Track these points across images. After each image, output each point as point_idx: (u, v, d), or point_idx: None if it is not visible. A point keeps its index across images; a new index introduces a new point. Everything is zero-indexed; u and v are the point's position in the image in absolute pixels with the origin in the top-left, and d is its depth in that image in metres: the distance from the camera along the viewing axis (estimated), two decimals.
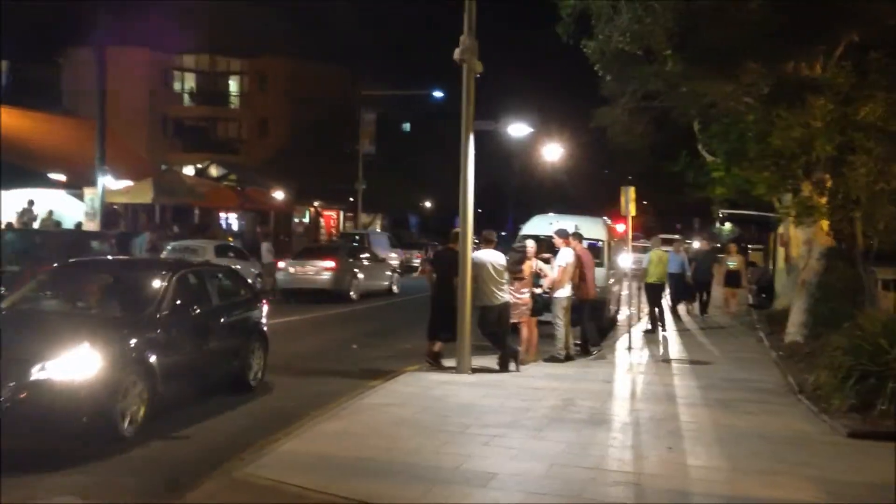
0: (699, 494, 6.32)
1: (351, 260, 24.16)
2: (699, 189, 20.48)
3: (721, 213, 24.64)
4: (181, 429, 8.10)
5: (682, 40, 12.63)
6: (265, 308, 10.94)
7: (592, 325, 13.73)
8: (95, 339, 7.38)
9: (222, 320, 9.64)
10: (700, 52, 12.35)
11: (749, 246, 23.74)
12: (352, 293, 23.14)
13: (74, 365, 7.04)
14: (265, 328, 10.70)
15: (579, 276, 12.85)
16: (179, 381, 8.47)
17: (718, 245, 26.98)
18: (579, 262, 12.81)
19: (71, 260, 12.04)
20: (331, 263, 22.73)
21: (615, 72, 16.38)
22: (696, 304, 20.58)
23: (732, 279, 20.34)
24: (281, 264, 24.14)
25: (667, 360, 13.43)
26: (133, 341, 7.84)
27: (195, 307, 9.03)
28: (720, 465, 7.16)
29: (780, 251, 21.92)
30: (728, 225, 35.76)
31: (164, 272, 9.01)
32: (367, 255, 26.42)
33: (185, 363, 8.64)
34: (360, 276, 23.90)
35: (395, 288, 26.47)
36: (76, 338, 7.30)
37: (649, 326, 16.87)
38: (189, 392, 8.85)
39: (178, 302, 8.68)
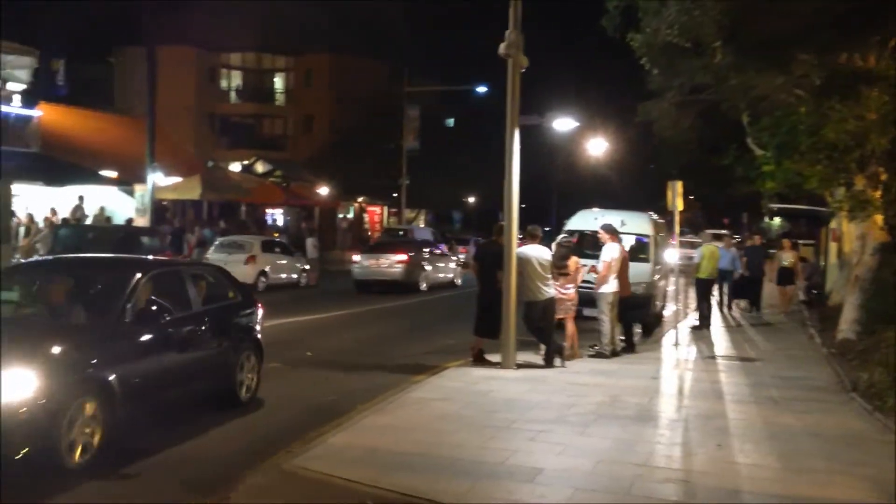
0: (750, 493, 6.21)
1: (420, 254, 25.71)
2: (748, 183, 20.06)
3: (770, 207, 24.15)
4: (143, 457, 6.96)
5: (733, 32, 12.41)
6: (260, 312, 9.71)
7: (620, 324, 13.41)
8: (35, 353, 6.32)
9: (204, 327, 8.39)
10: (751, 43, 12.14)
11: (800, 241, 23.13)
12: (422, 285, 24.81)
13: (6, 386, 5.97)
14: (259, 335, 9.50)
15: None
16: (148, 399, 7.32)
17: (768, 240, 26.43)
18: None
19: (32, 259, 11.06)
20: (403, 257, 24.44)
21: (662, 65, 16.17)
22: (747, 302, 20.10)
23: (785, 276, 19.59)
24: (356, 257, 25.40)
25: (715, 357, 13.24)
26: (86, 354, 6.69)
27: (170, 312, 7.71)
28: (771, 463, 7.04)
29: (833, 246, 21.45)
30: (777, 219, 35.13)
31: (131, 272, 7.76)
32: (432, 250, 27.67)
33: (156, 379, 7.45)
34: (428, 268, 25.56)
35: (457, 281, 27.74)
36: (12, 352, 6.19)
37: (697, 323, 16.64)
38: (162, 411, 7.71)
39: (148, 307, 7.48)
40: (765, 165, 16.04)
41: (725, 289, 19.79)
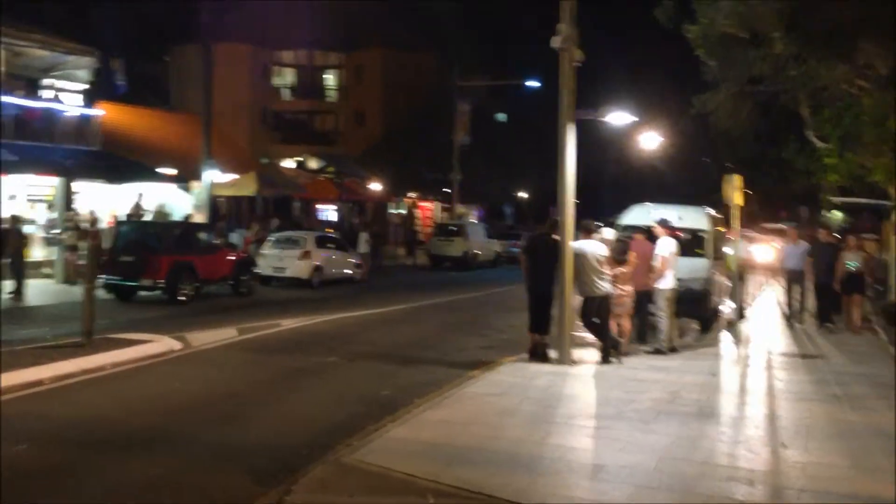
0: (817, 492, 6.08)
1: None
2: (808, 176, 19.63)
3: (831, 200, 23.55)
4: (208, 448, 7.11)
5: (793, 21, 12.15)
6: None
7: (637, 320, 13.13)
8: None
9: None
10: (812, 32, 11.86)
11: (863, 235, 21.89)
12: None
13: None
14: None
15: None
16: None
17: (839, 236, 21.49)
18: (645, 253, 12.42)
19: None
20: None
21: (719, 56, 15.92)
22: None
23: (852, 283, 15.52)
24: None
25: (776, 354, 12.98)
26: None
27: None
28: (838, 462, 6.88)
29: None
30: (838, 213, 34.27)
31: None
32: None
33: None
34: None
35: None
36: None
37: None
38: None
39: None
40: (826, 158, 15.74)
41: (796, 293, 16.69)
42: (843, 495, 6.05)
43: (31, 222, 22.28)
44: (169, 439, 7.49)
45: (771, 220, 41.09)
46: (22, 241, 18.85)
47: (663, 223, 12.81)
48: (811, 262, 16.02)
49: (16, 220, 19.15)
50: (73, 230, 20.63)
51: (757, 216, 48.77)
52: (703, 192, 32.97)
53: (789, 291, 16.70)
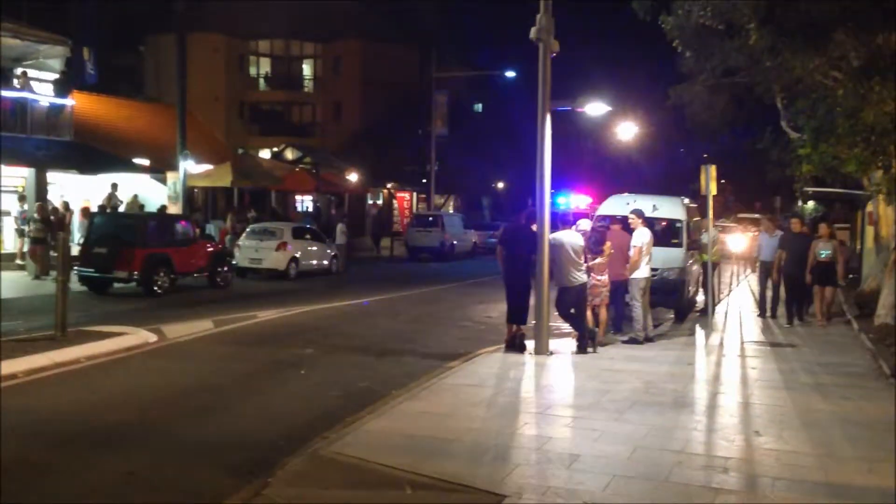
0: (791, 480, 6.15)
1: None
2: (782, 167, 19.75)
3: (805, 191, 23.76)
4: (185, 441, 7.08)
5: (768, 12, 12.20)
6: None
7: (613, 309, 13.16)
8: None
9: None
10: (787, 24, 11.92)
11: (836, 225, 21.75)
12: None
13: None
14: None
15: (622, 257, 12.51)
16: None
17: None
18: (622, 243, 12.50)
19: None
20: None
21: (695, 47, 16.00)
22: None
23: (823, 273, 14.67)
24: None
25: (751, 343, 13.11)
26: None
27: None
28: (811, 450, 6.96)
29: (869, 230, 21.04)
30: (811, 203, 34.63)
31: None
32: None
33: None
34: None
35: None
36: None
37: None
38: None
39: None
40: (800, 149, 15.79)
41: (770, 286, 16.06)
42: (817, 483, 6.12)
43: (7, 214, 21.98)
44: (144, 433, 7.43)
45: (746, 210, 41.45)
46: None
47: (638, 214, 12.89)
48: (782, 253, 15.27)
49: None
50: (39, 222, 20.37)
51: (732, 206, 49.23)
52: (679, 183, 33.25)
53: (763, 283, 16.25)
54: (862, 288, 19.42)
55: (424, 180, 43.09)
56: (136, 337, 11.98)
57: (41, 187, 23.50)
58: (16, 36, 23.60)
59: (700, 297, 16.91)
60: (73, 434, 7.30)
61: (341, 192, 40.18)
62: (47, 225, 20.21)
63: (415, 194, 48.57)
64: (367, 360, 11.15)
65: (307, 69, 51.56)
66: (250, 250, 22.92)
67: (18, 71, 24.45)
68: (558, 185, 25.75)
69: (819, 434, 7.44)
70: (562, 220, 12.34)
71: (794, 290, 15.26)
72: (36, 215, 20.62)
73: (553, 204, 22.89)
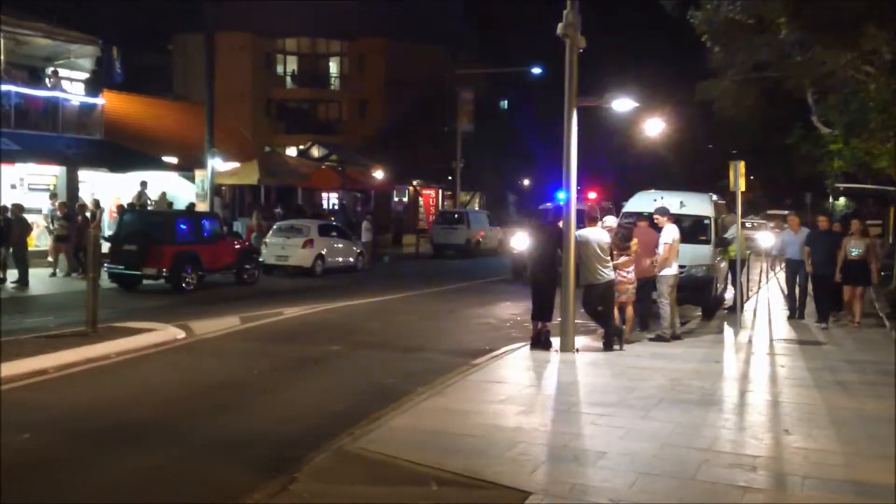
0: (820, 479, 6.07)
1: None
2: (813, 163, 19.54)
3: (836, 187, 23.43)
4: (211, 437, 7.45)
5: (798, 7, 12.05)
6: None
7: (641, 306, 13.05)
8: None
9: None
10: (817, 18, 11.76)
11: (867, 222, 21.08)
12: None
13: None
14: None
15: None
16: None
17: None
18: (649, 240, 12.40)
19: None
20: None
21: (724, 42, 15.82)
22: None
23: (855, 272, 13.92)
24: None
25: (780, 341, 12.96)
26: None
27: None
28: (841, 449, 6.86)
29: None
30: (842, 200, 34.18)
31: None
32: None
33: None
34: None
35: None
36: None
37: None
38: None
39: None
40: (832, 144, 15.66)
41: (798, 284, 15.38)
42: (846, 482, 6.04)
43: (37, 212, 22.29)
44: (171, 429, 7.50)
45: (775, 207, 40.99)
46: (26, 230, 18.87)
47: (662, 212, 12.77)
48: (808, 253, 14.68)
49: (19, 209, 19.16)
50: (62, 219, 20.61)
51: (761, 203, 48.70)
52: (707, 179, 32.94)
53: (790, 282, 15.66)
54: (894, 285, 19.14)
55: (450, 177, 43.06)
56: (165, 333, 12.10)
57: (72, 185, 23.82)
58: (47, 36, 23.94)
59: (728, 295, 16.75)
60: (101, 429, 7.39)
61: (367, 189, 40.31)
62: (71, 222, 20.44)
63: (440, 191, 48.58)
64: (392, 356, 11.17)
65: (333, 67, 51.76)
66: (277, 247, 23.06)
67: (49, 70, 24.78)
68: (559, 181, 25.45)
69: (849, 432, 7.34)
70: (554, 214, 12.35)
71: (822, 289, 14.63)
72: (58, 213, 20.88)
73: (553, 198, 22.84)
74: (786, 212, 34.84)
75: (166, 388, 9.21)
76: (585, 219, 11.98)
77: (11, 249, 18.27)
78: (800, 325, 14.84)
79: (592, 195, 24.49)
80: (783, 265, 16.39)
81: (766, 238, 24.28)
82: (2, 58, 22.68)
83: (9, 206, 19.31)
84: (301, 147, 43.60)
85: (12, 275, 18.23)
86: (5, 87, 22.42)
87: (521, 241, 20.69)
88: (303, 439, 7.01)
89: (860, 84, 13.71)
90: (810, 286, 15.16)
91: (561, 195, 21.59)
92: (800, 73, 16.07)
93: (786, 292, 16.32)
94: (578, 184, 21.43)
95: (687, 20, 16.06)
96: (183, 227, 19.43)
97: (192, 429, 7.50)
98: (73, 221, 20.49)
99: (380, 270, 25.79)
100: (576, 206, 20.24)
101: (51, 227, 21.24)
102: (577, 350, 11.13)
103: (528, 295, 11.83)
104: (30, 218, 19.90)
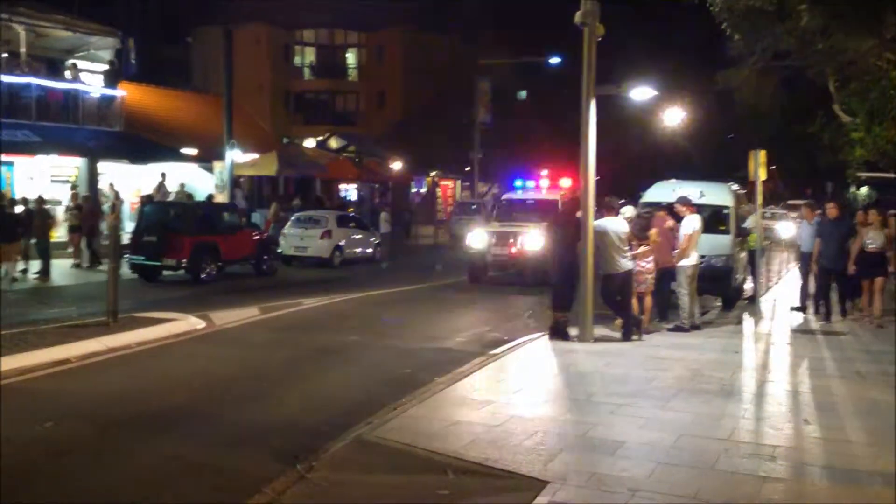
0: (841, 469, 6.03)
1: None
2: (834, 152, 19.32)
3: (858, 176, 23.17)
4: (231, 428, 7.36)
5: None
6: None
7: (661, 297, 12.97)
8: None
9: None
10: (839, 5, 11.62)
11: (890, 211, 20.54)
12: None
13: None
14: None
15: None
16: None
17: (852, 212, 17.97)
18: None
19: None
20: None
21: (744, 30, 15.63)
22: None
23: (871, 264, 13.04)
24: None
25: (799, 331, 12.87)
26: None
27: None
28: (861, 439, 6.81)
29: None
30: (864, 189, 33.83)
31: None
32: None
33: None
34: None
35: None
36: None
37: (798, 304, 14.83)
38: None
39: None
40: (853, 132, 15.49)
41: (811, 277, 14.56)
42: (866, 472, 5.99)
43: (58, 203, 22.51)
44: (192, 417, 7.57)
45: (796, 196, 40.62)
46: (48, 221, 19.05)
47: (684, 201, 12.70)
48: (819, 242, 13.71)
49: (41, 201, 19.34)
50: (74, 209, 20.77)
51: (782, 193, 48.27)
52: (727, 169, 32.70)
53: (805, 276, 14.82)
54: None
55: (468, 168, 43.01)
56: (185, 323, 12.20)
57: (93, 177, 24.02)
58: (67, 28, 24.11)
59: (748, 285, 16.65)
60: (123, 417, 7.47)
61: (385, 180, 40.34)
62: (88, 213, 20.59)
63: (458, 182, 48.54)
64: (410, 346, 11.20)
65: (351, 58, 51.80)
66: (295, 238, 23.15)
67: (69, 63, 24.96)
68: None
69: (869, 422, 7.28)
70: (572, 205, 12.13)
71: (833, 281, 13.77)
72: (70, 203, 21.03)
73: (514, 189, 21.81)
74: (805, 202, 34.50)
75: (186, 377, 9.29)
76: (604, 208, 11.90)
77: (34, 240, 18.46)
78: (818, 315, 14.71)
79: (566, 182, 21.43)
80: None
81: (786, 228, 24.12)
82: (23, 50, 22.86)
83: (31, 197, 19.52)
84: (319, 138, 43.66)
85: (34, 266, 18.42)
86: (26, 80, 22.60)
87: (479, 238, 19.15)
88: (321, 428, 7.05)
89: (882, 71, 13.55)
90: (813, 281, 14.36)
91: (518, 183, 21.07)
92: (821, 60, 15.89)
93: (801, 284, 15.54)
94: (545, 168, 20.57)
95: (706, 7, 15.91)
96: (202, 218, 19.54)
97: (212, 418, 7.56)
98: (83, 211, 20.60)
99: (398, 261, 25.83)
100: (548, 196, 19.61)
101: (68, 217, 21.45)
102: (596, 340, 11.11)
103: (547, 290, 11.81)
104: (51, 210, 20.10)
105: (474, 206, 35.69)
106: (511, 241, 18.60)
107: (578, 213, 11.39)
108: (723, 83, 20.94)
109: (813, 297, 14.44)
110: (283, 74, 49.65)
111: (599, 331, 11.46)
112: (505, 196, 23.20)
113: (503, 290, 18.04)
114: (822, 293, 14.05)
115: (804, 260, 14.86)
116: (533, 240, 17.99)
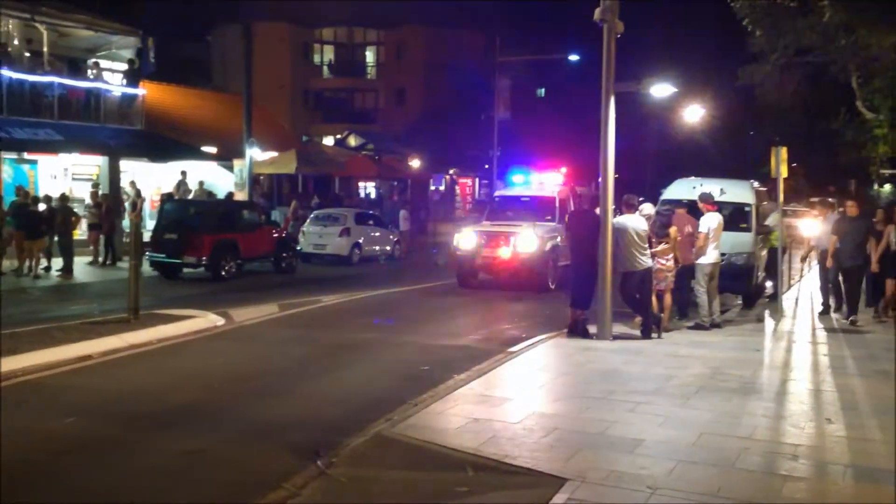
0: (863, 468, 5.97)
1: None
2: (857, 148, 19.10)
3: (881, 173, 22.92)
4: (251, 424, 7.76)
5: None
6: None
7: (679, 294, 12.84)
8: None
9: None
10: (862, 0, 11.50)
11: None
12: None
13: None
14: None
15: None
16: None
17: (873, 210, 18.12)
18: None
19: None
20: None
21: (766, 26, 15.54)
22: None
23: (892, 264, 12.90)
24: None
25: (821, 329, 12.75)
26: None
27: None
28: (884, 438, 6.74)
29: None
30: (887, 186, 33.46)
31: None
32: None
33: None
34: None
35: None
36: None
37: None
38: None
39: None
40: (876, 129, 15.31)
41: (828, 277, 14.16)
42: (889, 471, 5.93)
43: (80, 201, 22.70)
44: (211, 413, 7.61)
45: (818, 194, 40.17)
46: (70, 219, 19.22)
47: (706, 198, 12.62)
48: (835, 240, 13.22)
49: (64, 198, 19.52)
50: (93, 207, 20.92)
51: (804, 190, 47.84)
52: (748, 166, 32.46)
53: (823, 275, 14.41)
54: None
55: (487, 165, 42.95)
56: (205, 320, 12.27)
57: (114, 175, 24.19)
58: (89, 27, 24.29)
59: (769, 283, 16.51)
60: (144, 412, 7.53)
61: (403, 178, 40.37)
62: (107, 211, 20.73)
63: (477, 179, 48.49)
64: (428, 343, 11.20)
65: (370, 56, 51.88)
66: (314, 236, 23.23)
67: (91, 62, 25.16)
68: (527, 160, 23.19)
69: (892, 421, 7.19)
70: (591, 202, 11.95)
71: (852, 281, 13.26)
72: (89, 201, 21.18)
73: (507, 184, 21.02)
74: (830, 199, 34.18)
75: (207, 373, 9.35)
76: (623, 205, 11.82)
77: (57, 238, 18.64)
78: (840, 313, 14.56)
79: (558, 177, 20.39)
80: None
81: (808, 226, 23.86)
82: (45, 49, 23.08)
83: (53, 195, 19.70)
84: (338, 136, 43.83)
85: (57, 263, 18.60)
86: (49, 79, 22.82)
87: (467, 239, 17.45)
88: (341, 424, 7.07)
89: None
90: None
91: (517, 178, 20.43)
92: (844, 56, 15.73)
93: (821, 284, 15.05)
94: (540, 162, 19.79)
95: (728, 3, 15.82)
96: (222, 216, 19.65)
97: (233, 413, 7.61)
98: (102, 209, 20.74)
99: (416, 259, 25.85)
100: (538, 194, 18.89)
101: (87, 215, 21.63)
102: (615, 338, 11.06)
103: (565, 283, 11.78)
104: (75, 208, 20.26)
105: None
106: (502, 242, 16.94)
107: (597, 210, 11.35)
108: (744, 79, 20.74)
109: (831, 292, 14.17)
110: (302, 72, 49.80)
111: (618, 329, 11.42)
112: (497, 192, 22.09)
113: (527, 286, 18.00)
114: (836, 289, 13.80)
115: (822, 259, 14.35)
116: (526, 241, 16.66)
